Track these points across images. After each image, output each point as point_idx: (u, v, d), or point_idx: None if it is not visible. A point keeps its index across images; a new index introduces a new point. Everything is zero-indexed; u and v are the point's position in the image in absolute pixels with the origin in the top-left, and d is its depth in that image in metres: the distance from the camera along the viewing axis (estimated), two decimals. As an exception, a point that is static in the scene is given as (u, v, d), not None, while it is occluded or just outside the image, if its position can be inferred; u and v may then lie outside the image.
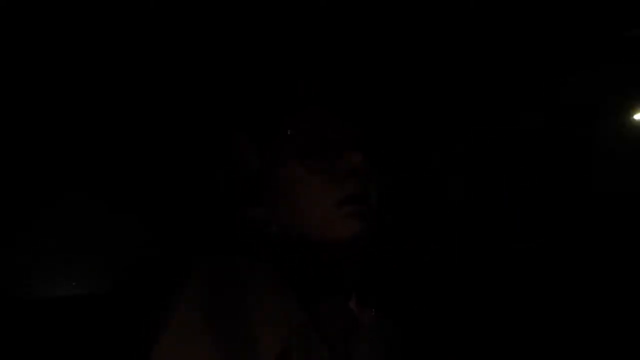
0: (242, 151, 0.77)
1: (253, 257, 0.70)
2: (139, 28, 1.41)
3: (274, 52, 0.84)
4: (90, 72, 1.46)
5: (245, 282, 0.66)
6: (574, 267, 1.56)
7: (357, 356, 0.75)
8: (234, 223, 0.78)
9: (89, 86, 1.46)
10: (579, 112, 1.54)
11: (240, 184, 0.77)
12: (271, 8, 1.27)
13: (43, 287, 1.43)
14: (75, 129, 1.48)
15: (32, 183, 1.46)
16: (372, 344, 0.77)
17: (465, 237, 1.54)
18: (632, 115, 1.55)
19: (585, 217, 1.57)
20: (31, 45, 1.43)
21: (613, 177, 1.55)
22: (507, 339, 1.47)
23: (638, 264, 1.52)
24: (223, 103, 0.80)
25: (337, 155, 0.75)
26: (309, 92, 0.77)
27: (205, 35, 1.35)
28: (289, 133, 0.75)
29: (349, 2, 1.40)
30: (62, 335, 1.38)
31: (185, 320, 0.64)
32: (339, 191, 0.74)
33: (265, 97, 0.78)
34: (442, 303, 1.44)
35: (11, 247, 1.43)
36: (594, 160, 1.57)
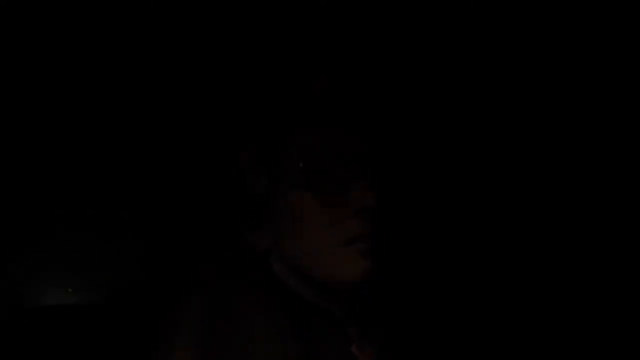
0: (250, 173, 0.74)
1: (252, 285, 0.68)
2: (142, 41, 1.40)
3: (282, 57, 0.82)
4: (97, 90, 1.46)
5: (243, 313, 0.64)
6: (576, 268, 1.57)
7: None
8: (235, 247, 0.76)
9: (95, 100, 1.46)
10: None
11: (245, 207, 0.75)
12: (276, 14, 1.27)
13: (39, 294, 1.42)
14: (74, 134, 1.48)
15: (31, 191, 1.45)
16: None
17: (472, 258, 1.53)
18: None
19: (585, 217, 1.58)
20: (31, 45, 1.43)
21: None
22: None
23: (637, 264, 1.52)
24: (232, 119, 0.78)
25: (347, 190, 0.72)
26: (322, 94, 0.75)
27: (209, 47, 1.35)
28: (300, 165, 0.72)
29: (350, 2, 1.40)
30: (59, 344, 1.37)
31: (181, 353, 0.63)
32: (348, 229, 0.71)
33: (274, 113, 0.75)
34: (447, 342, 1.43)
35: (8, 255, 1.42)
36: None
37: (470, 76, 1.49)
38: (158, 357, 0.64)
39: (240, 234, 0.75)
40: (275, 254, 0.74)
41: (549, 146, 1.56)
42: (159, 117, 1.45)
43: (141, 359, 0.68)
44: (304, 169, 0.71)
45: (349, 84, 0.79)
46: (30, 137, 1.46)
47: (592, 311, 1.51)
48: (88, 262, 1.44)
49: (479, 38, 1.46)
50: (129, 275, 1.44)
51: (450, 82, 1.48)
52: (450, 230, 1.52)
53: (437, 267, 1.49)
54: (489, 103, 1.52)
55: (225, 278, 0.68)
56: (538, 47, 1.51)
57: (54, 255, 1.44)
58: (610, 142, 1.55)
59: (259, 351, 0.62)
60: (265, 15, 1.34)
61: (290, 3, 1.34)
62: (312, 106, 0.74)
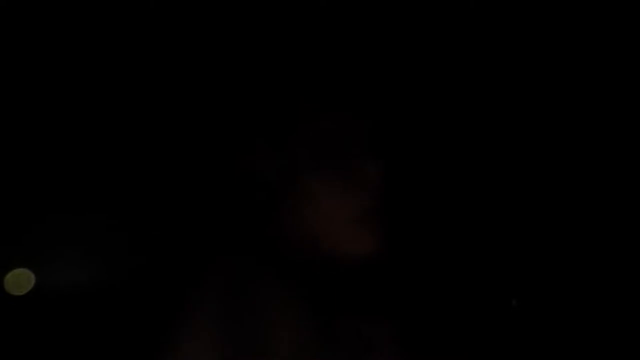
0: (261, 160, 0.76)
1: (265, 273, 0.69)
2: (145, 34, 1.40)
3: (290, 54, 0.83)
4: (97, 82, 1.46)
5: (258, 293, 0.65)
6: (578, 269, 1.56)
7: None
8: (248, 236, 0.77)
9: (95, 100, 1.46)
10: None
11: (256, 194, 0.76)
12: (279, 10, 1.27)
13: (42, 281, 1.42)
14: (74, 134, 1.48)
15: (31, 190, 1.45)
16: None
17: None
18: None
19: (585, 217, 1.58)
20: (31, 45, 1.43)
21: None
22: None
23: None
24: (242, 111, 0.79)
25: (352, 167, 0.74)
26: (327, 89, 0.76)
27: (215, 39, 1.35)
28: (311, 150, 0.74)
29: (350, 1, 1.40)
30: (64, 330, 1.38)
31: (197, 328, 0.63)
32: (353, 206, 0.73)
33: (282, 102, 0.76)
34: (459, 320, 1.43)
35: (9, 242, 1.43)
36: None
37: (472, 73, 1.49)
38: (171, 346, 0.64)
39: (253, 222, 0.76)
40: (285, 232, 0.75)
41: (549, 145, 1.56)
42: (170, 111, 1.44)
43: (154, 347, 0.68)
44: (315, 154, 0.73)
45: (356, 75, 0.80)
46: (30, 137, 1.46)
47: (592, 311, 1.51)
48: (91, 254, 1.44)
49: (478, 38, 1.46)
50: (136, 266, 1.43)
51: (453, 76, 1.48)
52: (457, 214, 1.52)
53: (445, 246, 1.50)
54: (489, 100, 1.52)
55: (238, 267, 0.69)
56: (538, 47, 1.51)
57: (53, 252, 1.44)
58: (610, 142, 1.55)
59: (274, 333, 0.62)
60: (270, 14, 1.34)
61: (290, 3, 1.34)
62: (321, 94, 0.75)
